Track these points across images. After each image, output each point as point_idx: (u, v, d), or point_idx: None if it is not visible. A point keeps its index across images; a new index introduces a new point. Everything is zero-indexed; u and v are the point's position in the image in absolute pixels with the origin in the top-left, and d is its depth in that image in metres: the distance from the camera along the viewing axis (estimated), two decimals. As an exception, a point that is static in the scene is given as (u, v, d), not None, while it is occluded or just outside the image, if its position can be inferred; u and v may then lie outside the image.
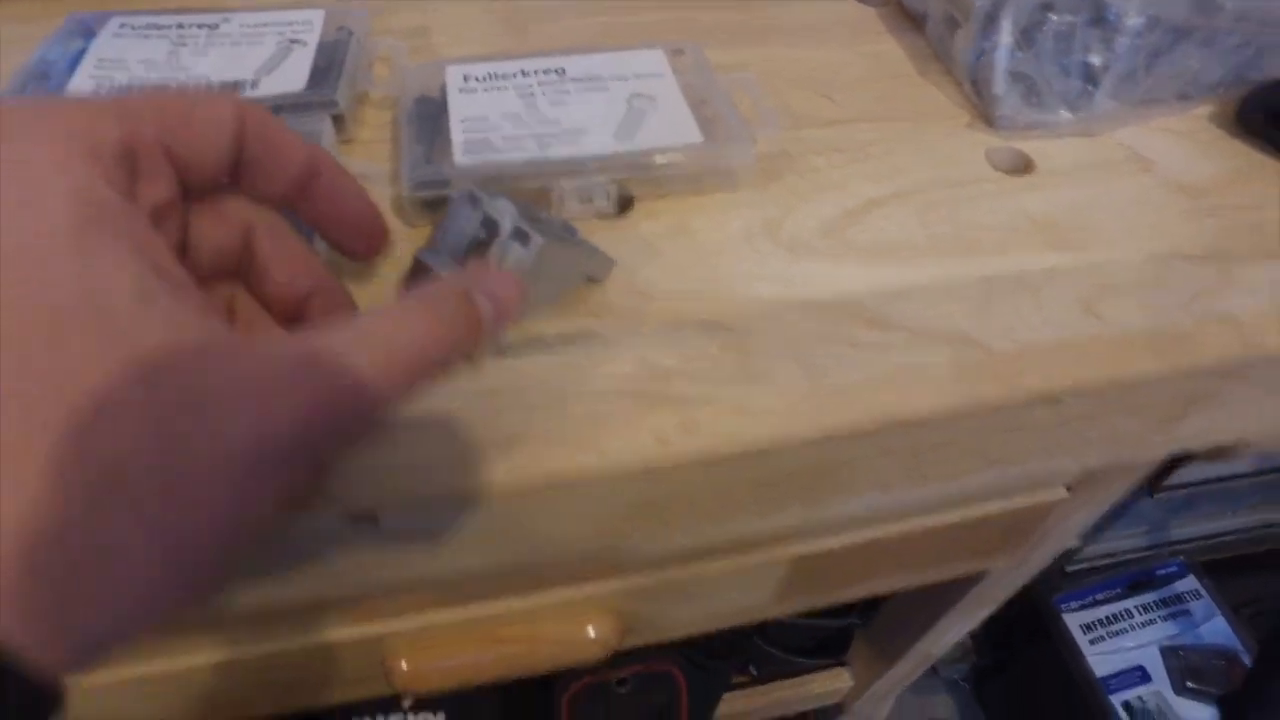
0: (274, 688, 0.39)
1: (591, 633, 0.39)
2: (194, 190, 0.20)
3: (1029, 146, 0.33)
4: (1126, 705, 0.77)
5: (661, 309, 0.25)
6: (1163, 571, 0.84)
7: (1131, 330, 0.26)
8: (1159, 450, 0.31)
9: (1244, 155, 0.34)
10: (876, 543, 0.41)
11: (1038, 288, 0.27)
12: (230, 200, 0.21)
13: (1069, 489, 0.43)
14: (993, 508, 0.42)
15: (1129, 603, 0.82)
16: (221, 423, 0.16)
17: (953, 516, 0.41)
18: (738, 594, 0.42)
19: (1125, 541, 0.82)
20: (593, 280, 0.25)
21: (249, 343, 0.17)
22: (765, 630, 0.64)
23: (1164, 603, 0.83)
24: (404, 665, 0.38)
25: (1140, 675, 0.78)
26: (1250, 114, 0.35)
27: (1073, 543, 0.82)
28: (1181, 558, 0.85)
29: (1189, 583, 0.84)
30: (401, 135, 0.29)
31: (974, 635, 0.95)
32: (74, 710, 0.36)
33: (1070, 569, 0.83)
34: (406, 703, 0.54)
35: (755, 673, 0.65)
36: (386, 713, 0.54)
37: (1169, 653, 0.79)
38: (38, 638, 0.14)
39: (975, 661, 0.97)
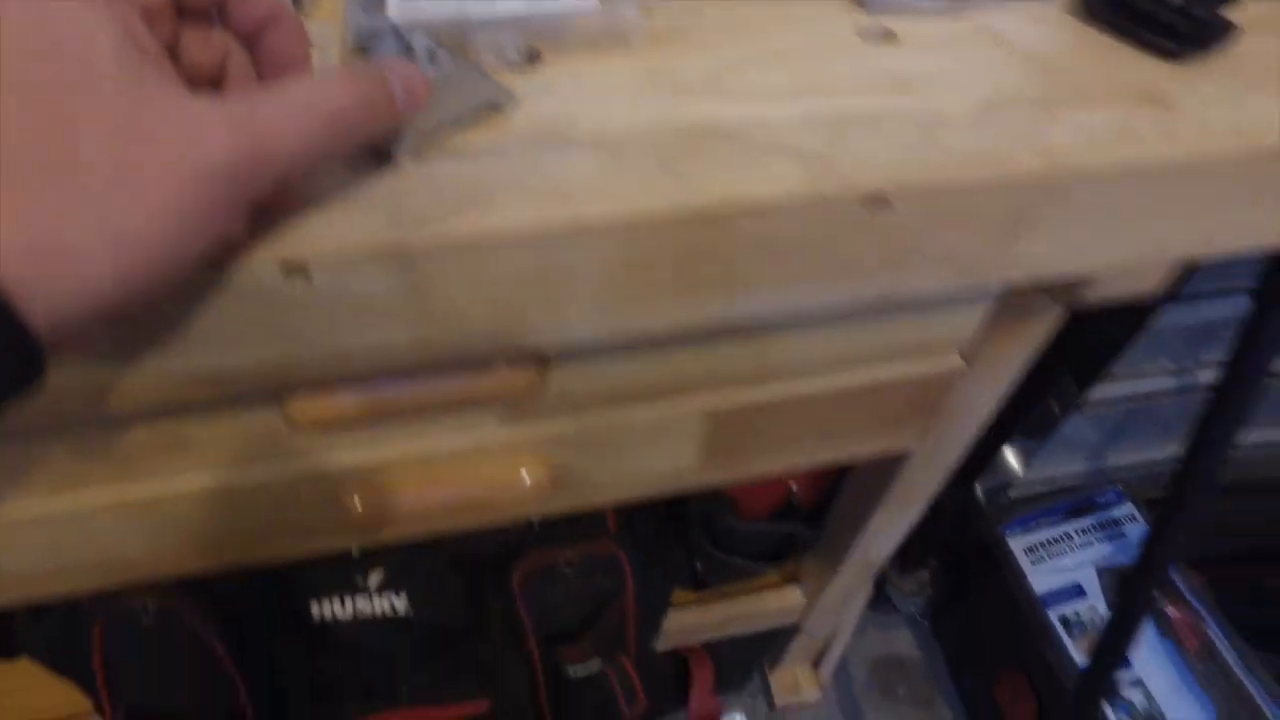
0: (236, 532, 0.44)
1: (526, 477, 0.43)
2: (188, 13, 0.25)
3: (896, 24, 0.38)
4: (1063, 619, 0.82)
5: (554, 132, 0.30)
6: (1101, 499, 0.89)
7: (961, 152, 0.31)
8: (1002, 274, 0.35)
9: (1089, 36, 0.39)
10: (786, 402, 0.46)
11: (884, 121, 0.32)
12: (216, 30, 0.26)
13: (964, 359, 0.47)
14: (892, 372, 0.46)
15: (1068, 526, 0.87)
16: (164, 147, 0.21)
17: (854, 378, 0.46)
18: (659, 452, 0.47)
19: (1065, 468, 0.86)
20: (495, 109, 0.30)
21: (198, 98, 0.22)
22: (715, 537, 0.69)
23: (1101, 526, 0.87)
24: (358, 503, 0.42)
25: (1077, 591, 0.83)
26: (1096, 4, 0.40)
27: (1015, 475, 0.87)
28: (1119, 486, 0.89)
29: (1126, 508, 0.88)
30: (347, 5, 0.34)
31: (930, 570, 1.00)
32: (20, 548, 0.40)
33: (1015, 495, 0.87)
34: (373, 582, 0.58)
35: (700, 568, 0.69)
36: (353, 593, 0.58)
37: (1104, 571, 0.84)
38: (20, 292, 0.19)
39: (931, 595, 1.01)
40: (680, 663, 0.86)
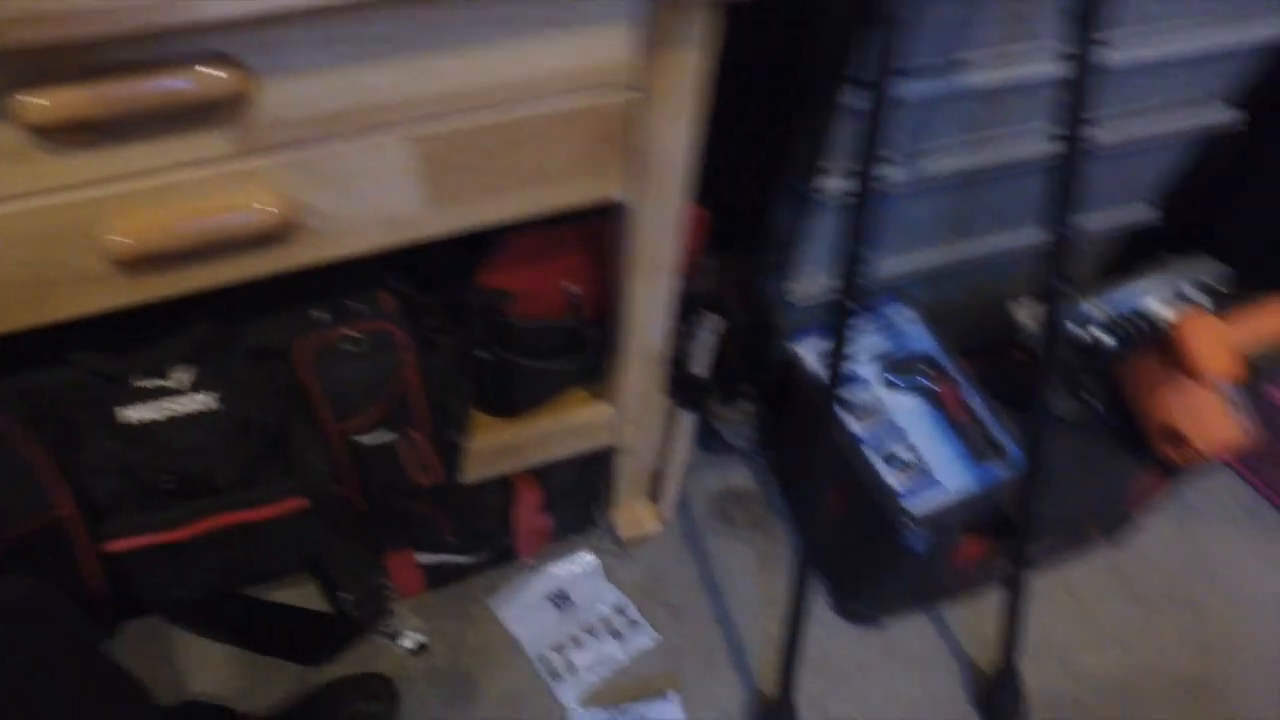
0: (16, 280, 0.54)
1: (264, 208, 0.55)
2: None
3: None
4: (847, 403, 0.97)
5: None
6: (881, 306, 1.05)
7: None
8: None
9: None
10: (477, 131, 0.58)
11: None
12: None
13: (639, 91, 0.61)
14: (569, 103, 0.59)
15: (854, 331, 1.03)
16: None
17: (535, 108, 0.59)
18: (383, 189, 0.59)
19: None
20: None
21: None
22: (498, 334, 0.81)
23: (881, 328, 1.03)
24: (120, 237, 0.53)
25: (858, 381, 0.99)
26: None
27: (798, 285, 1.01)
28: (895, 294, 1.05)
29: (904, 313, 1.05)
30: None
31: (750, 398, 1.14)
32: None
33: (803, 305, 1.02)
34: (184, 380, 0.68)
35: (488, 359, 0.81)
36: (166, 394, 0.68)
37: (880, 359, 1.00)
38: None
39: (757, 424, 1.16)
40: (509, 492, 0.97)
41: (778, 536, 1.14)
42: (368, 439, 0.71)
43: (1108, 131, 0.99)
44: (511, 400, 0.89)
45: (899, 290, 1.06)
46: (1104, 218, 1.15)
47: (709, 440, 1.19)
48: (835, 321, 0.78)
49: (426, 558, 1.01)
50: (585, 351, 0.86)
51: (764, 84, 0.89)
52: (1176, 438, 0.91)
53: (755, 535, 1.14)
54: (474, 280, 0.78)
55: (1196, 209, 1.18)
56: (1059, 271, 0.79)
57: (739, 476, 1.20)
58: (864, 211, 0.73)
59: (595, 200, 0.67)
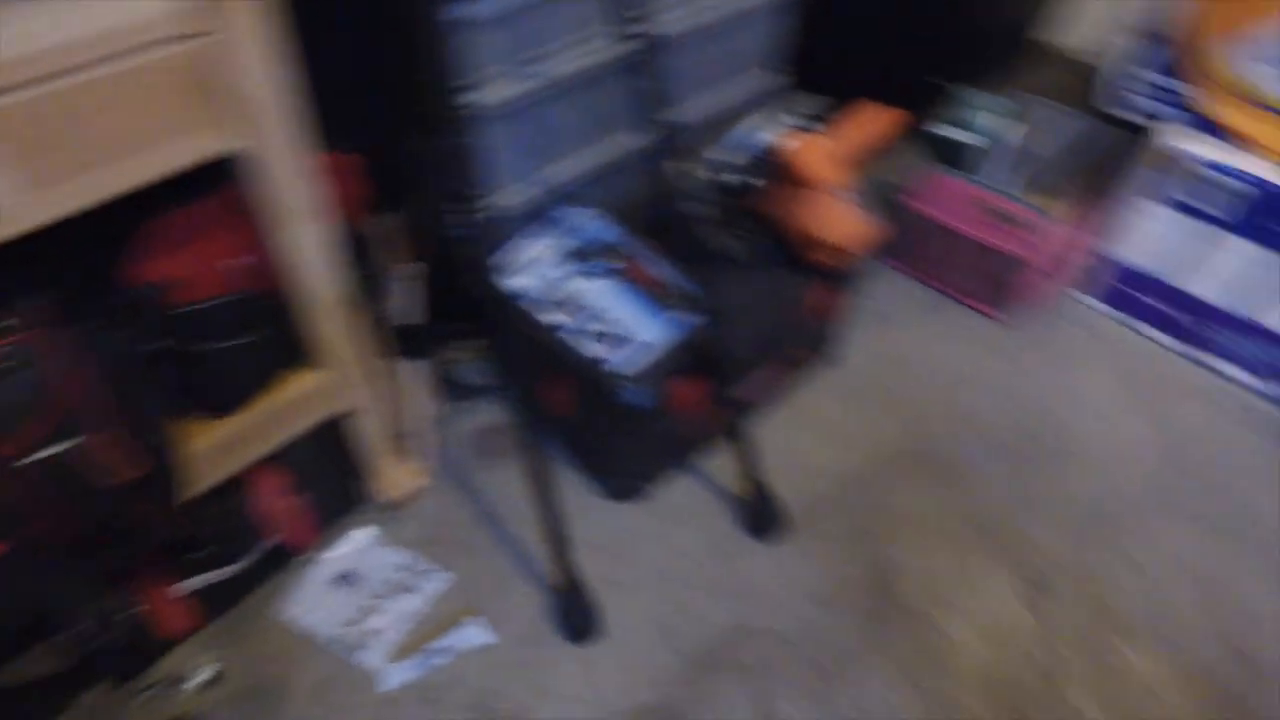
0: None
1: None
2: None
3: None
4: (545, 301, 1.06)
5: None
6: (556, 213, 1.15)
7: None
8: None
9: None
10: (55, 102, 0.60)
11: None
12: None
13: (210, 35, 0.64)
14: (136, 60, 0.62)
15: (538, 238, 1.12)
16: None
17: (105, 70, 0.61)
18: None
19: (518, 196, 1.10)
20: None
21: None
22: (166, 324, 0.81)
23: (566, 230, 1.13)
24: None
25: (552, 280, 1.08)
26: None
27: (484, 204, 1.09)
28: (564, 200, 1.16)
29: (581, 212, 1.15)
30: None
31: (473, 335, 1.21)
32: None
33: (490, 220, 1.09)
34: None
35: (169, 348, 0.82)
36: None
37: (570, 256, 1.10)
38: None
39: (488, 358, 1.23)
40: (244, 485, 0.98)
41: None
42: (38, 456, 0.70)
43: (690, 15, 1.14)
44: (219, 390, 0.90)
45: (575, 195, 1.16)
46: (736, 88, 1.31)
47: (453, 389, 1.25)
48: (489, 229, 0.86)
49: (190, 584, 0.99)
50: (264, 322, 0.89)
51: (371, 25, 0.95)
52: (819, 243, 1.07)
53: (516, 459, 1.21)
54: (124, 277, 0.78)
55: (804, 61, 1.38)
56: (664, 142, 0.92)
57: (488, 412, 1.26)
58: (461, 130, 0.81)
59: (206, 156, 0.70)
